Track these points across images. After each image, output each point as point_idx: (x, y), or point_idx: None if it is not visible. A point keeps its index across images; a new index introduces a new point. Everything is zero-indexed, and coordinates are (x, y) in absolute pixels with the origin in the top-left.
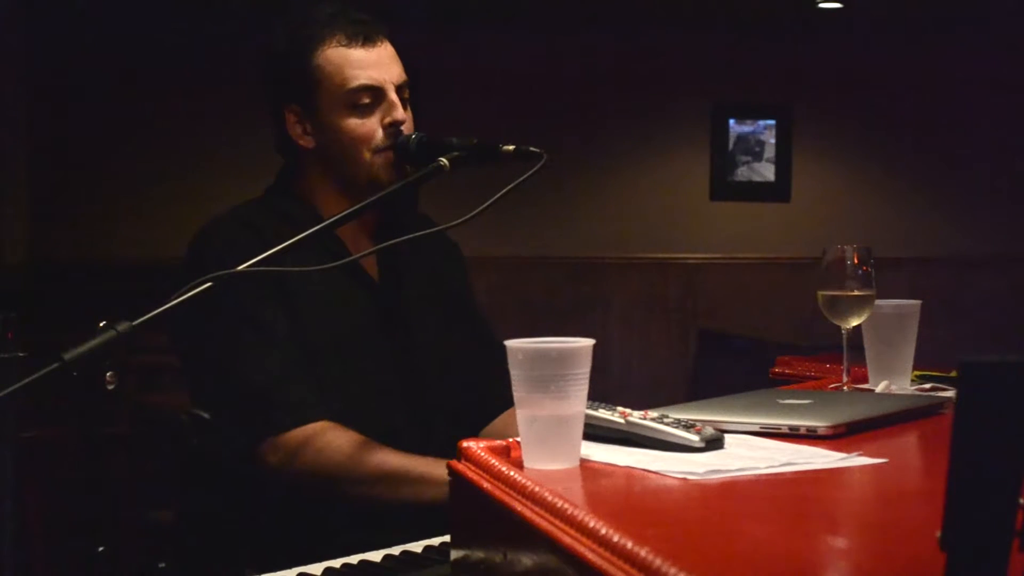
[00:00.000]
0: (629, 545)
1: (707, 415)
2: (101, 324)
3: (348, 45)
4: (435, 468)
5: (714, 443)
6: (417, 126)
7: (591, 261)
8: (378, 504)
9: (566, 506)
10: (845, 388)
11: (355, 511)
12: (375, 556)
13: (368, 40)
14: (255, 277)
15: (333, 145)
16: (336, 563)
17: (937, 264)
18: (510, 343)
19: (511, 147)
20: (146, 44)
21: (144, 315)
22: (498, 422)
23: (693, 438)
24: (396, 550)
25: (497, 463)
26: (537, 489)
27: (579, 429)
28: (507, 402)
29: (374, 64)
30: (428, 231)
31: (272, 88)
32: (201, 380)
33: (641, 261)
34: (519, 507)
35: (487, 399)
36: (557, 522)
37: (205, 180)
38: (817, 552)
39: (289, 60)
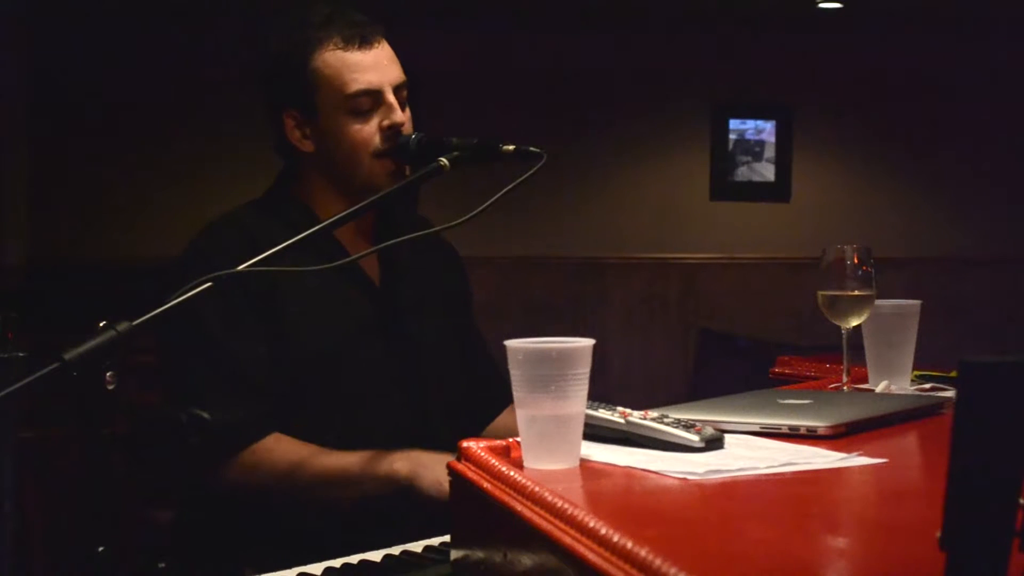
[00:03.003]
0: (629, 545)
1: (707, 415)
2: (101, 324)
3: (345, 48)
4: (372, 464)
5: (714, 443)
6: (417, 126)
7: (591, 261)
8: (323, 507)
9: (566, 506)
10: (845, 388)
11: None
12: (375, 556)
13: (365, 42)
14: (233, 288)
15: (333, 149)
16: (336, 563)
17: (937, 264)
18: (510, 343)
19: (511, 147)
20: (146, 44)
21: (144, 315)
22: (499, 421)
23: (693, 438)
24: (396, 550)
25: (497, 463)
26: (537, 489)
27: (579, 429)
28: (505, 401)
29: (371, 67)
30: (428, 231)
31: (269, 92)
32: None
33: (641, 261)
34: (519, 507)
35: (485, 402)
36: (557, 522)
37: (205, 180)
38: (817, 552)
39: (285, 65)
